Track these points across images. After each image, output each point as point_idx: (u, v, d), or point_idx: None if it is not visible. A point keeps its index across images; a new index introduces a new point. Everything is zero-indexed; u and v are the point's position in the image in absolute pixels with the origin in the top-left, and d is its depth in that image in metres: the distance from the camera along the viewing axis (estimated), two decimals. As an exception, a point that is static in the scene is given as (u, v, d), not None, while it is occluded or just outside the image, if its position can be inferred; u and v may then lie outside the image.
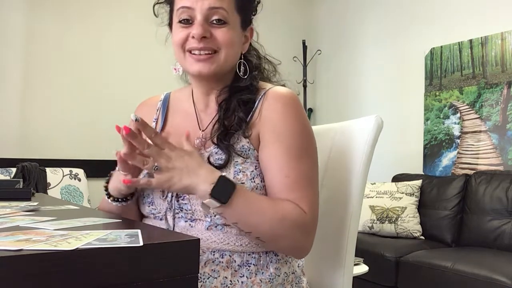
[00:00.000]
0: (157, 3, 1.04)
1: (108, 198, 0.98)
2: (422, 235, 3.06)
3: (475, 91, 3.26)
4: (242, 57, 1.04)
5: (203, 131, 1.02)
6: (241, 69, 1.02)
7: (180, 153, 0.87)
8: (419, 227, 3.07)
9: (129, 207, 1.01)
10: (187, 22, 0.96)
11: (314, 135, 1.01)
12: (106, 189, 0.99)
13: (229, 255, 0.93)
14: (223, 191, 0.85)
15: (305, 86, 4.18)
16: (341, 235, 1.12)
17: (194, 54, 0.97)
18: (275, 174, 0.94)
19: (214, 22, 0.96)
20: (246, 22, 1.03)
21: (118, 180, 0.93)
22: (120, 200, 0.98)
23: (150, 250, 0.56)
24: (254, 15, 1.07)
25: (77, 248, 0.51)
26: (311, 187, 0.96)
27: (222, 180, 0.86)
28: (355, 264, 2.27)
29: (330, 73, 4.35)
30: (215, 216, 0.92)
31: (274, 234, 0.90)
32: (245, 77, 1.02)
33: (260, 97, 1.00)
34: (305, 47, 4.23)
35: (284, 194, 0.93)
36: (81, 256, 0.51)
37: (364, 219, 3.16)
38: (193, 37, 0.96)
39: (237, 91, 1.01)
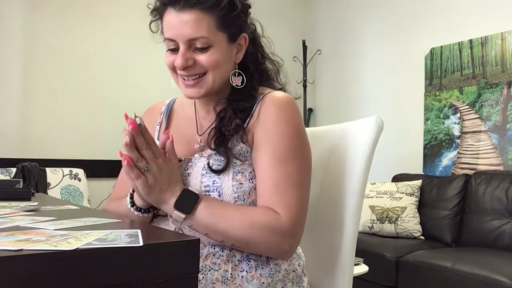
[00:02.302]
0: (153, 21, 1.05)
1: (132, 207, 0.99)
2: (422, 235, 3.06)
3: (475, 91, 3.25)
4: (237, 67, 1.04)
5: (200, 135, 1.06)
6: (237, 80, 1.03)
7: (168, 167, 0.91)
8: (419, 227, 3.07)
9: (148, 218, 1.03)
10: (174, 50, 0.99)
11: (307, 139, 1.02)
12: (131, 197, 1.00)
13: (229, 249, 0.96)
14: (186, 202, 0.90)
15: (305, 86, 4.17)
16: (341, 236, 1.12)
17: (184, 79, 1.01)
18: (259, 175, 0.96)
19: (198, 48, 0.97)
20: (234, 35, 1.01)
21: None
22: (142, 210, 0.99)
23: (150, 250, 0.56)
24: (245, 21, 1.04)
25: (77, 248, 0.51)
26: (294, 190, 0.95)
27: (185, 193, 0.91)
28: (355, 264, 2.26)
29: (330, 73, 4.35)
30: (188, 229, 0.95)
31: (246, 240, 0.92)
32: (242, 86, 1.03)
33: (258, 101, 1.02)
34: (305, 47, 4.23)
35: (265, 195, 0.95)
36: (81, 256, 0.51)
37: (364, 219, 3.16)
38: None
39: (235, 101, 1.03)
